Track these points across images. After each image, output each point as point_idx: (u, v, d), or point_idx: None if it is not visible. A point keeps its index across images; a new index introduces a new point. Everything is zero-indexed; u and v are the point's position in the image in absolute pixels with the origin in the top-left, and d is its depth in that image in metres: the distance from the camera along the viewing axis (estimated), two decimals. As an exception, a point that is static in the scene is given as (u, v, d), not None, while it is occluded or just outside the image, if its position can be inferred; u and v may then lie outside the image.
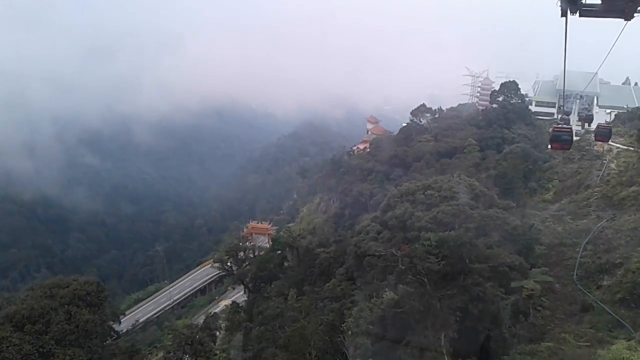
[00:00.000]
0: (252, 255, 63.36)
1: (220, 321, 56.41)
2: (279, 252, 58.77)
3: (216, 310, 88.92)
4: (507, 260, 27.57)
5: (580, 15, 9.46)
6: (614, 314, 33.95)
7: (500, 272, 26.85)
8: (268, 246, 72.15)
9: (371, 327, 26.70)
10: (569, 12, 9.47)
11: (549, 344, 31.05)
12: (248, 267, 60.38)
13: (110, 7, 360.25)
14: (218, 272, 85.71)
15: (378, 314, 27.85)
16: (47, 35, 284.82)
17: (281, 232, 62.69)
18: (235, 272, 62.58)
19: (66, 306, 39.03)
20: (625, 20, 9.36)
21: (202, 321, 57.64)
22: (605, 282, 38.67)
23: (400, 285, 25.86)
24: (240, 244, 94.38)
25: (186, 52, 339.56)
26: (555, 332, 33.61)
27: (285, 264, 58.84)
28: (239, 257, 62.42)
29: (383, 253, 28.43)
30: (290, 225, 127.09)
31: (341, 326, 29.14)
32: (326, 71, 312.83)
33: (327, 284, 35.16)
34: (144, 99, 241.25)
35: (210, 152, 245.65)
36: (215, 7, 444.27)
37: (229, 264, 62.88)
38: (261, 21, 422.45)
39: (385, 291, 32.40)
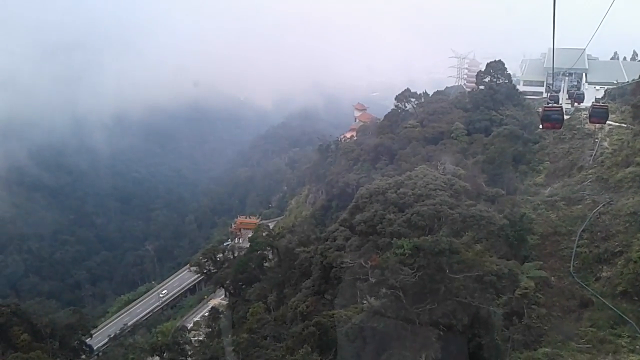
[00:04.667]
0: (231, 257, 60.19)
1: (202, 329, 53.37)
2: (259, 252, 55.62)
3: (203, 313, 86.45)
4: (494, 267, 24.41)
5: None
6: (615, 309, 31.34)
7: (487, 281, 23.68)
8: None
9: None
10: None
11: (546, 349, 28.31)
12: (227, 269, 57.17)
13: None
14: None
15: (355, 328, 24.73)
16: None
17: (259, 231, 59.23)
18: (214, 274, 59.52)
19: None
20: None
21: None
22: (604, 274, 36.20)
23: (373, 299, 22.67)
24: (226, 242, 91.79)
25: (171, 45, 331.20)
26: (553, 334, 30.83)
27: (266, 264, 55.81)
28: (218, 259, 59.25)
29: (351, 264, 25.13)
30: (279, 218, 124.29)
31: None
32: (313, 60, 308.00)
33: (292, 300, 31.63)
34: (127, 95, 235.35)
35: (200, 147, 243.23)
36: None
37: (207, 267, 59.85)
38: (242, 14, 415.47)
39: (366, 298, 29.36)
